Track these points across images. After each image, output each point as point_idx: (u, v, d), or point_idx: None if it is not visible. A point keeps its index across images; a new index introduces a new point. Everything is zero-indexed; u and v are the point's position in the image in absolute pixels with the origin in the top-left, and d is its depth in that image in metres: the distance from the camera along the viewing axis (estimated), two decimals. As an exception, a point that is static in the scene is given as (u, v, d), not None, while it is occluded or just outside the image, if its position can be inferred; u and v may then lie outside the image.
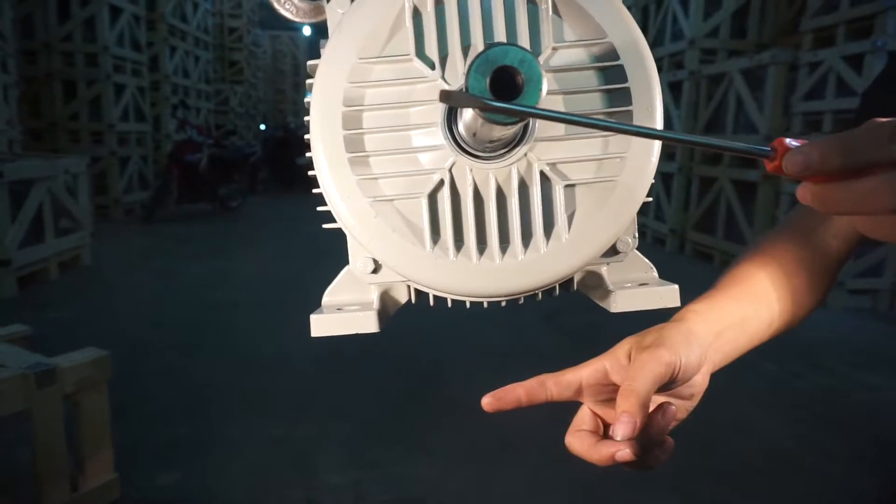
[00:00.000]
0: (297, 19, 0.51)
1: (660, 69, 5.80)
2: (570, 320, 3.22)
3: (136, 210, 6.58)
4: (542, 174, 0.39)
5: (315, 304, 0.46)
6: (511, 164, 0.39)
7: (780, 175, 0.37)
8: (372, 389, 2.48)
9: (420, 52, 0.39)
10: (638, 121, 0.38)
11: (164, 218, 6.38)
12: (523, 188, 0.39)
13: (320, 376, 2.58)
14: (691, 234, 5.25)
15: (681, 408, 0.53)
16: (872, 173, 0.31)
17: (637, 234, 0.43)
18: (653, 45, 5.27)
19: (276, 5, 0.51)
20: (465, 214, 0.39)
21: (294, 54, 15.43)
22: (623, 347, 0.52)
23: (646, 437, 0.46)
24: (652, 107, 0.38)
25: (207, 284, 4.10)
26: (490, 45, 0.31)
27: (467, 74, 0.30)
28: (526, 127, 0.38)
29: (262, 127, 12.07)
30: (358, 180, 0.39)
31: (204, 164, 6.39)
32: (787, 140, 0.35)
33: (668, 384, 0.49)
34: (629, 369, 0.48)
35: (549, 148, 0.39)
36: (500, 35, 0.38)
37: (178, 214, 6.66)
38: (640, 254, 0.46)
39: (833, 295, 3.78)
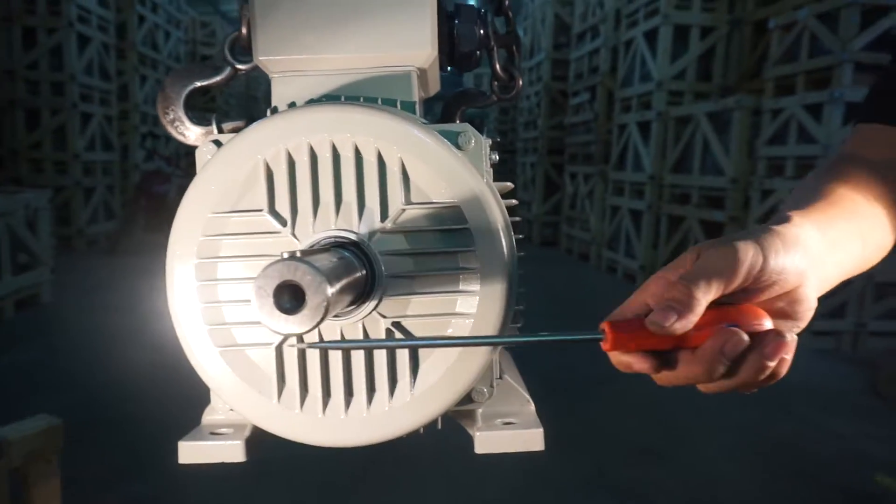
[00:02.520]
0: (189, 143, 0.51)
1: (629, 109, 5.94)
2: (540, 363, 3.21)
3: (100, 241, 6.44)
4: (388, 331, 0.40)
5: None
6: (359, 320, 0.40)
7: (618, 352, 0.40)
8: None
9: (272, 208, 0.40)
10: (486, 275, 0.39)
11: (129, 248, 6.26)
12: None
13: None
14: (660, 271, 5.30)
15: (783, 327, 0.44)
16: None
17: (496, 383, 0.45)
18: (622, 85, 5.41)
19: (171, 129, 0.51)
20: (311, 367, 0.40)
21: (268, 80, 15.41)
22: (691, 253, 0.44)
23: (715, 352, 0.39)
24: (499, 264, 0.39)
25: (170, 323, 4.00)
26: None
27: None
28: (374, 283, 0.39)
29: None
30: (209, 329, 0.40)
31: (172, 194, 6.30)
32: (611, 323, 0.39)
33: (747, 289, 0.41)
34: (693, 266, 0.41)
35: (397, 304, 0.40)
36: (350, 192, 0.39)
37: (142, 245, 6.54)
38: (517, 385, 0.47)
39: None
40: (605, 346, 0.39)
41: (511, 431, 0.43)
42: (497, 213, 0.39)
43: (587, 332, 0.38)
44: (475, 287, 0.39)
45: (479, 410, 0.45)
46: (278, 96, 0.47)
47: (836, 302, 3.85)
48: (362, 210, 0.39)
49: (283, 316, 0.28)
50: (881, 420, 2.77)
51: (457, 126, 0.41)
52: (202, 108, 10.72)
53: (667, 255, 5.21)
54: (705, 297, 0.39)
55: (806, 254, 0.43)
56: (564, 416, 2.62)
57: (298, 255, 0.29)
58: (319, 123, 0.39)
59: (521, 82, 0.57)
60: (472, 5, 0.50)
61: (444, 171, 0.39)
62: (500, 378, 0.45)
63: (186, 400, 2.29)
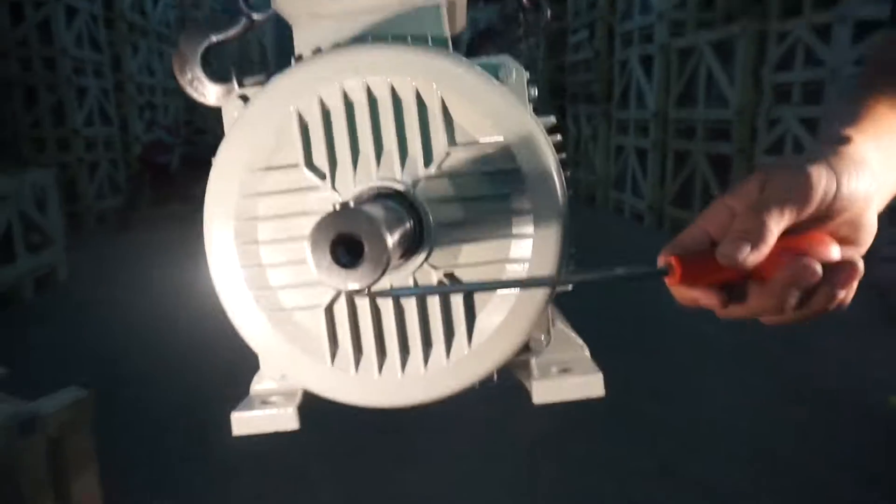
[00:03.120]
0: (209, 103, 0.50)
1: (630, 43, 5.79)
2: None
3: (109, 217, 6.44)
4: (440, 282, 0.38)
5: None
6: (409, 273, 0.38)
7: (685, 287, 0.38)
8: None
9: (309, 162, 0.38)
10: (539, 217, 0.37)
11: (138, 222, 6.27)
12: (422, 297, 0.38)
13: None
14: (669, 209, 5.28)
15: (846, 254, 0.42)
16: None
17: (551, 329, 0.43)
18: (622, 19, 5.25)
19: (189, 89, 0.50)
20: (363, 327, 0.38)
21: (261, 41, 15.12)
22: (755, 179, 0.41)
23: (789, 280, 0.37)
24: (554, 205, 0.37)
25: (185, 296, 4.05)
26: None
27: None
28: (423, 233, 0.37)
29: (233, 120, 11.84)
30: (254, 294, 0.38)
31: (175, 164, 6.26)
32: (679, 257, 0.37)
33: (816, 216, 0.39)
34: (762, 194, 0.39)
35: (447, 254, 0.38)
36: (391, 138, 0.37)
37: (151, 218, 6.54)
38: (569, 332, 0.46)
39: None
40: (670, 280, 0.37)
41: (570, 378, 0.42)
42: (547, 149, 0.37)
43: (649, 266, 0.37)
44: (529, 230, 0.36)
45: (534, 359, 0.44)
46: (302, 43, 0.44)
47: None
48: (404, 157, 0.37)
49: (343, 271, 0.27)
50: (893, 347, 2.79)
51: (495, 58, 0.38)
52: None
53: (674, 193, 5.17)
54: (778, 226, 0.37)
55: (873, 177, 0.41)
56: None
57: (352, 203, 0.28)
58: (351, 66, 0.37)
59: (549, 12, 0.56)
60: None
61: (489, 108, 0.36)
62: (553, 326, 0.43)
63: (198, 371, 2.34)
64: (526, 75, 0.39)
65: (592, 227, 5.94)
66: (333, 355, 0.39)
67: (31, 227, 4.03)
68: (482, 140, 0.37)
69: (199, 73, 0.50)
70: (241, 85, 0.46)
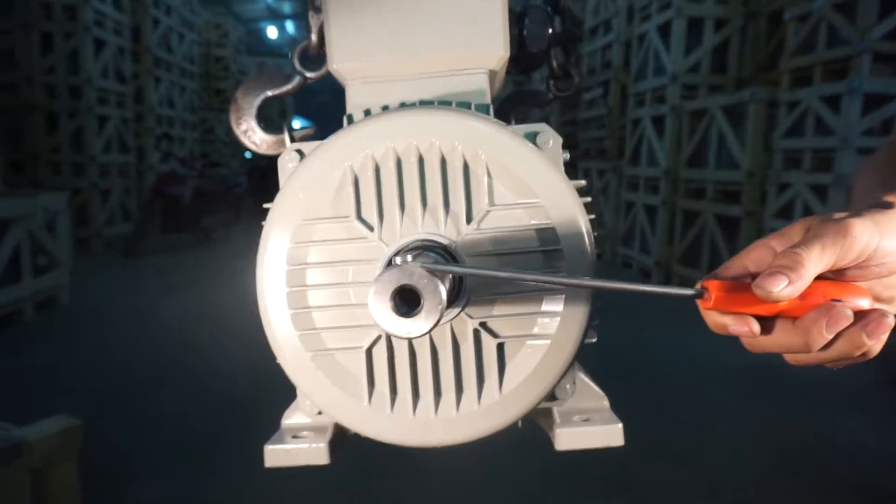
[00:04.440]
0: (261, 152, 0.53)
1: (642, 103, 5.90)
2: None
3: (117, 243, 6.50)
4: (475, 331, 0.40)
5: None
6: (447, 321, 0.40)
7: (719, 311, 0.40)
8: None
9: (359, 214, 0.41)
10: (571, 273, 0.40)
11: (146, 249, 6.31)
12: (457, 343, 0.41)
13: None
14: (676, 267, 5.29)
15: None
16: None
17: (576, 380, 0.45)
18: (635, 80, 5.37)
19: (243, 139, 0.52)
20: (400, 369, 0.41)
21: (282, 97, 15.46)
22: (799, 224, 0.44)
23: (811, 325, 0.39)
24: (585, 262, 0.39)
25: (186, 322, 4.04)
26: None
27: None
28: (461, 286, 0.40)
29: (248, 155, 12.06)
30: (300, 335, 0.41)
31: (187, 196, 6.34)
32: (715, 282, 0.39)
33: (853, 268, 0.41)
34: (804, 237, 0.41)
35: (484, 305, 0.41)
36: (437, 196, 0.40)
37: (159, 246, 6.59)
38: (590, 382, 0.48)
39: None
40: (704, 304, 0.39)
41: (591, 427, 0.44)
42: (579, 211, 0.40)
43: (685, 287, 0.39)
44: (560, 287, 0.39)
45: (557, 408, 0.46)
46: (353, 103, 0.48)
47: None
48: (448, 213, 0.39)
49: (401, 319, 0.29)
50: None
51: (536, 126, 0.41)
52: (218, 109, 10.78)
53: (682, 251, 5.19)
54: (815, 267, 0.39)
55: None
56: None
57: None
58: (403, 129, 0.40)
59: (578, 79, 0.58)
60: (541, 6, 0.51)
61: (528, 172, 0.39)
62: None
63: (195, 398, 2.31)
64: (560, 141, 0.41)
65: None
66: (371, 395, 0.41)
67: (39, 249, 4.06)
68: (520, 201, 0.40)
69: (254, 124, 0.54)
70: (291, 137, 0.50)
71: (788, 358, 0.42)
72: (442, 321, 0.40)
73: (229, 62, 11.06)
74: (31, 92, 5.76)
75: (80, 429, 1.58)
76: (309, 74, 0.52)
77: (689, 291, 0.39)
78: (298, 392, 0.44)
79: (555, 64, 0.58)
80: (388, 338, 0.41)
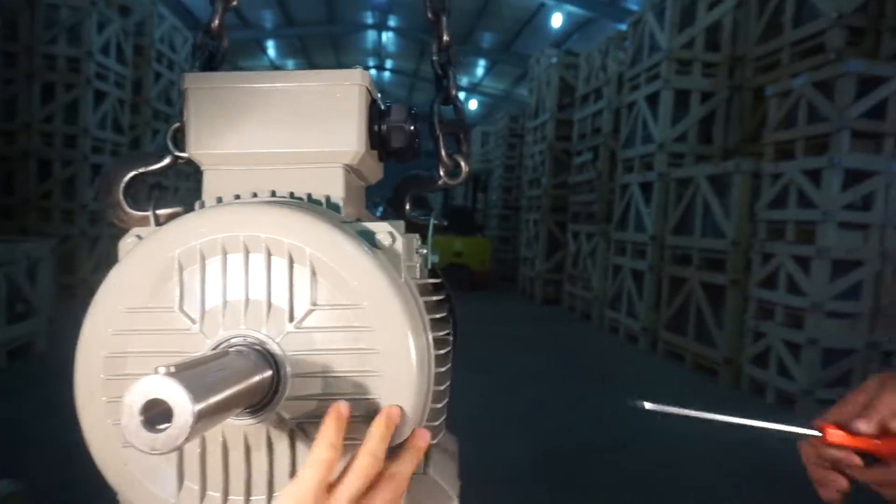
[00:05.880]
0: (126, 227, 0.52)
1: (631, 169, 6.00)
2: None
3: (103, 290, 6.46)
4: (292, 432, 0.39)
5: None
6: (261, 421, 0.38)
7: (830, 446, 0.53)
8: None
9: (181, 305, 0.40)
10: (389, 380, 0.38)
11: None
12: (272, 443, 0.39)
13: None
14: (663, 333, 5.24)
15: None
16: None
17: (416, 478, 0.44)
18: (624, 146, 5.48)
19: (109, 213, 0.51)
20: (211, 466, 0.39)
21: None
22: (875, 379, 0.56)
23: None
24: (404, 364, 0.38)
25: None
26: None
27: None
28: (279, 384, 0.38)
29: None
30: (113, 424, 0.39)
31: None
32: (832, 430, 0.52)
33: None
34: (881, 394, 0.53)
35: (302, 405, 0.39)
36: (260, 291, 0.39)
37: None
38: (440, 481, 0.46)
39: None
40: (820, 440, 0.53)
41: None
42: (405, 313, 0.38)
43: (804, 426, 0.54)
44: (378, 392, 0.38)
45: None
46: (209, 189, 0.48)
47: (839, 370, 3.77)
48: (270, 309, 0.38)
49: (150, 435, 0.27)
50: None
51: (378, 225, 0.41)
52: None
53: (668, 317, 5.15)
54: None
55: None
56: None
57: (173, 369, 0.27)
58: (232, 222, 0.39)
59: (466, 168, 0.58)
60: (402, 105, 0.51)
61: (354, 271, 0.38)
62: (424, 473, 0.44)
63: None
64: (410, 240, 0.41)
65: (587, 345, 5.89)
66: (180, 491, 0.39)
67: (17, 296, 4.02)
68: (344, 302, 0.39)
69: (121, 199, 0.52)
70: (156, 217, 0.49)
71: (886, 493, 0.53)
72: (257, 419, 0.38)
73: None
74: (27, 139, 5.84)
75: (24, 495, 1.52)
76: (179, 154, 0.52)
77: (807, 431, 0.53)
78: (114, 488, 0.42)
79: (443, 154, 0.59)
80: (203, 434, 0.38)
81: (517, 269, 9.39)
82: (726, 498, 2.60)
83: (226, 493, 0.39)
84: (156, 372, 0.27)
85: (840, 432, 0.53)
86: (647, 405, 0.50)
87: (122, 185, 0.52)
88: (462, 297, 0.68)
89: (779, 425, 0.51)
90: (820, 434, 0.53)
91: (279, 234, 0.38)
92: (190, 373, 0.28)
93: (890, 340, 3.68)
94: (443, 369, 0.44)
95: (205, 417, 0.28)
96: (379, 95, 0.53)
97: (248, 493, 0.39)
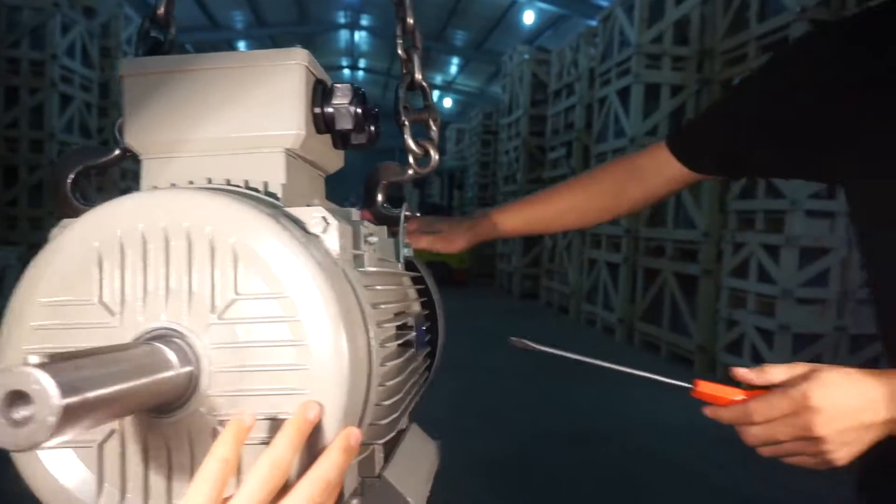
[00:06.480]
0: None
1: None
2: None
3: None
4: (214, 431, 0.37)
5: None
6: (181, 418, 0.37)
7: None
8: None
9: (101, 297, 0.38)
10: (316, 375, 0.37)
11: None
12: (193, 443, 0.38)
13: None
14: (639, 324, 5.29)
15: None
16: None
17: (370, 482, 0.43)
18: (597, 141, 5.50)
19: (56, 207, 0.50)
20: (131, 468, 0.38)
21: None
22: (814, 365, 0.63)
23: None
24: (334, 359, 0.36)
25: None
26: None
27: None
28: (198, 379, 0.37)
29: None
30: None
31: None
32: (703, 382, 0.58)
33: None
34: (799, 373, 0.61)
35: (225, 401, 0.38)
36: (181, 281, 0.37)
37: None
38: (394, 484, 0.45)
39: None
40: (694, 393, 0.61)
41: None
42: (336, 303, 0.37)
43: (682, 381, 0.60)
44: (305, 387, 0.36)
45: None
46: (147, 179, 0.47)
47: (810, 354, 3.84)
48: (191, 300, 0.37)
49: (12, 430, 0.25)
50: None
51: (308, 210, 0.40)
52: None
53: (643, 309, 5.20)
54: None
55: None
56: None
57: (45, 360, 0.26)
58: (153, 210, 0.38)
59: (436, 156, 0.57)
60: (348, 85, 0.49)
61: (278, 259, 0.37)
62: (378, 477, 0.43)
63: None
64: (356, 227, 0.40)
65: (565, 338, 5.92)
66: (100, 494, 0.38)
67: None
68: (269, 292, 0.37)
69: (67, 193, 0.51)
70: None
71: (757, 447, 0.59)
72: (177, 417, 0.36)
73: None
74: (-9, 145, 5.70)
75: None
76: (127, 147, 0.50)
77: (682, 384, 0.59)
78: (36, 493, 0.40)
79: (410, 143, 0.58)
80: (122, 433, 0.37)
81: (495, 265, 9.41)
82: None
83: (146, 496, 0.38)
84: (26, 362, 0.26)
85: (710, 384, 0.58)
86: (522, 342, 0.58)
87: (70, 179, 0.51)
88: (440, 293, 0.67)
89: (655, 375, 0.56)
90: (691, 386, 0.58)
91: (201, 222, 0.37)
92: (66, 364, 0.27)
93: (856, 324, 3.76)
94: (392, 364, 0.43)
95: (78, 414, 0.26)
96: (327, 77, 0.52)
97: (169, 495, 0.38)
